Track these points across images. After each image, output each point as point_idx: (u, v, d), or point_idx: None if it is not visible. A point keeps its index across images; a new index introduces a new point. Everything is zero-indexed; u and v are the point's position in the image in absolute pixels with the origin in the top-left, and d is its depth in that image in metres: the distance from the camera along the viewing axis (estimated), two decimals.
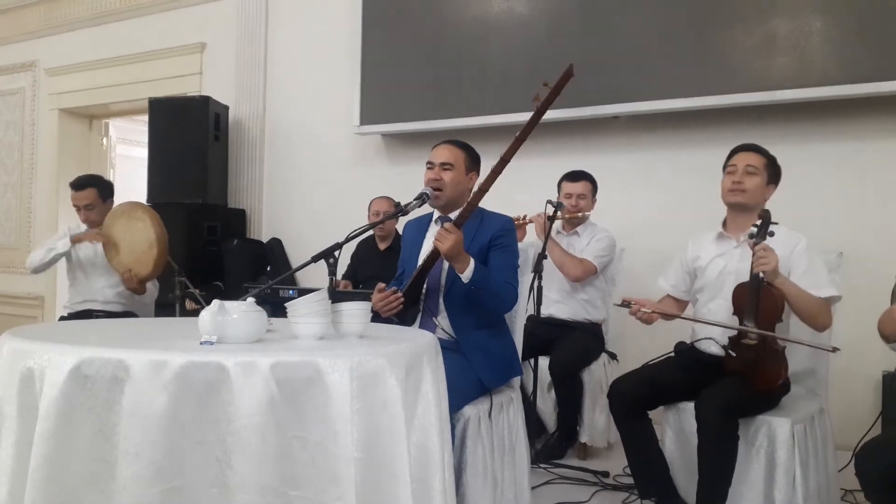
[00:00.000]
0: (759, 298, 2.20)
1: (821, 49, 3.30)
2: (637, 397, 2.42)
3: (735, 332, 2.29)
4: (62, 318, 3.65)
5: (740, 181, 2.38)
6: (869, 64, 3.18)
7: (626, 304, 2.38)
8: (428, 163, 2.44)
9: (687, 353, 2.53)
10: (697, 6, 3.57)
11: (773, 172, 2.45)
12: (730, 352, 2.31)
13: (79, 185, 3.63)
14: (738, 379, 2.26)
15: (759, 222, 2.21)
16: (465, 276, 2.21)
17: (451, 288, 2.34)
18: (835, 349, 2.20)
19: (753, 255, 2.19)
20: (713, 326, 2.36)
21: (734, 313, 2.32)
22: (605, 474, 2.99)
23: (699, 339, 2.48)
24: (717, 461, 2.19)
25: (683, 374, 2.43)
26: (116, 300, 3.60)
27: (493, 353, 2.36)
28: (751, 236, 2.22)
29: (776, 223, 2.23)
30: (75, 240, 3.47)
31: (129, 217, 3.37)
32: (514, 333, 2.53)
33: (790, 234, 2.35)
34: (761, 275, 2.18)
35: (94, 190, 3.62)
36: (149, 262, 3.34)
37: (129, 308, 3.67)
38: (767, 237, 2.20)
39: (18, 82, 6.57)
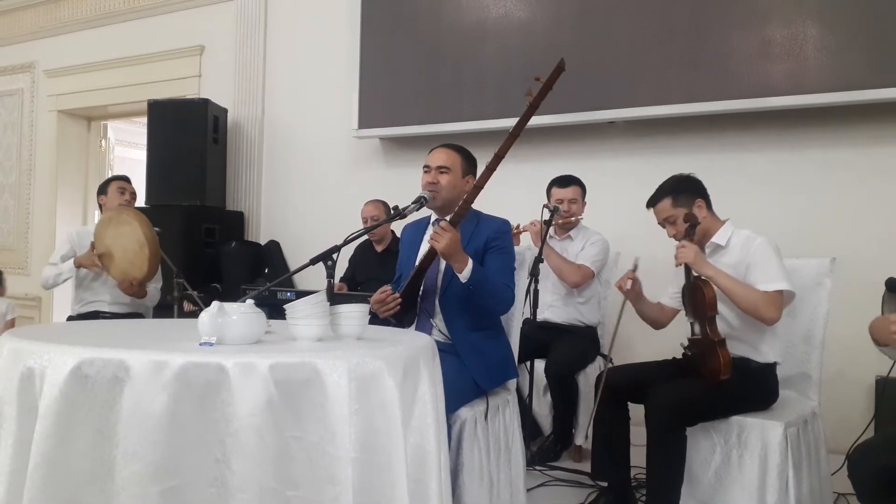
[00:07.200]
0: (695, 294, 2.31)
1: (815, 56, 3.32)
2: (621, 387, 2.48)
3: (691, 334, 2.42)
4: (70, 319, 3.67)
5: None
6: (863, 71, 3.20)
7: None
8: (424, 166, 2.45)
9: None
10: (694, 13, 3.59)
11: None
12: (686, 352, 2.41)
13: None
14: (689, 378, 2.35)
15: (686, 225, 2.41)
16: (464, 275, 2.22)
17: (448, 289, 2.35)
18: None
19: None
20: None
21: (686, 315, 2.44)
22: None
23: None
24: (662, 460, 2.25)
25: (672, 371, 2.48)
26: (123, 301, 3.60)
27: (488, 355, 2.37)
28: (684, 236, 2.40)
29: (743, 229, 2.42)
30: (77, 264, 3.49)
31: (117, 223, 3.38)
32: (511, 336, 2.54)
33: (750, 235, 2.41)
34: (693, 272, 2.32)
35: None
36: (143, 264, 3.34)
37: (136, 309, 3.68)
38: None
39: (17, 83, 6.57)
